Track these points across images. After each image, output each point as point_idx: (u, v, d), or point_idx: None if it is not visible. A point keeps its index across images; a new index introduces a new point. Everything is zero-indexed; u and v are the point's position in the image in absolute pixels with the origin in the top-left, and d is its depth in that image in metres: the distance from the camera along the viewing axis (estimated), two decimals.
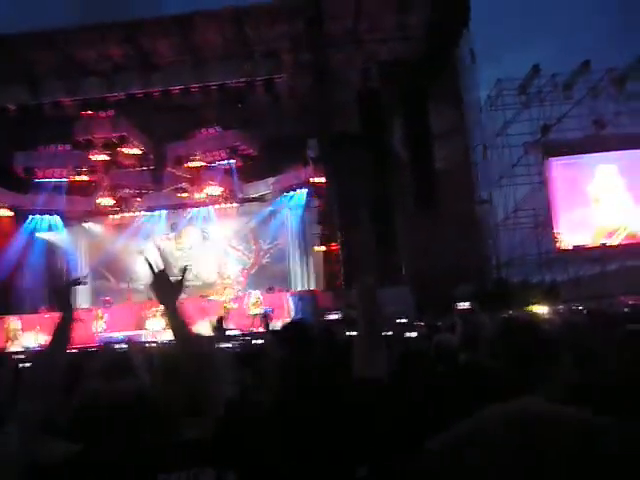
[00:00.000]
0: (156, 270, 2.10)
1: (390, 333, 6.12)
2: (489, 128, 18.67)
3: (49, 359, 2.15)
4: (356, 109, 16.69)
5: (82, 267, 22.56)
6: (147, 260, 2.13)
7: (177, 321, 2.07)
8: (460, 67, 17.26)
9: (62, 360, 2.17)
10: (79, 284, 2.29)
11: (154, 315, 18.34)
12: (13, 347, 17.10)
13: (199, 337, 2.11)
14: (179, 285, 2.11)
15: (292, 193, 20.60)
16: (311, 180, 18.99)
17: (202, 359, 1.94)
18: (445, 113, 17.10)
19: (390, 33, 16.26)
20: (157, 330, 17.77)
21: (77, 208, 21.46)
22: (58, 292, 2.25)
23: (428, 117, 16.26)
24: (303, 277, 21.05)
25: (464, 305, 11.82)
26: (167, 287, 2.09)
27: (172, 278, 2.11)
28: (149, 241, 22.13)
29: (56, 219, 21.91)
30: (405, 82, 15.77)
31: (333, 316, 12.99)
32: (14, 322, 18.35)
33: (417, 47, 16.13)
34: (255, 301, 17.34)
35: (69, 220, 22.15)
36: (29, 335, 18.01)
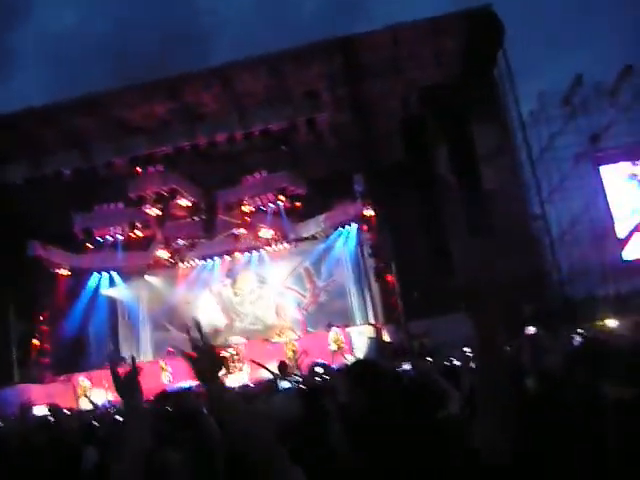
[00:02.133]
0: (201, 344, 1.98)
1: (458, 363, 5.97)
2: (535, 143, 18.37)
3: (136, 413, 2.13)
4: (399, 138, 16.70)
5: (143, 319, 23.01)
6: (198, 325, 2.04)
7: (221, 402, 1.91)
8: (500, 85, 17.12)
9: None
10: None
11: None
12: (84, 405, 17.40)
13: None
14: (221, 362, 1.97)
15: (343, 229, 20.65)
16: (361, 214, 19.00)
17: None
18: (489, 133, 16.92)
19: (428, 59, 16.27)
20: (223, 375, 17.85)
21: (135, 262, 21.99)
22: (123, 382, 2.21)
23: (473, 139, 16.11)
24: (362, 311, 20.94)
25: (531, 329, 11.48)
26: (210, 364, 1.95)
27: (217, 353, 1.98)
28: (207, 289, 22.46)
29: (116, 275, 22.53)
30: (446, 106, 15.70)
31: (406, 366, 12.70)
32: (83, 381, 18.73)
33: (455, 70, 16.10)
34: (335, 337, 17.28)
35: (128, 275, 22.71)
36: (98, 392, 18.35)
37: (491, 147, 17.01)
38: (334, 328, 17.82)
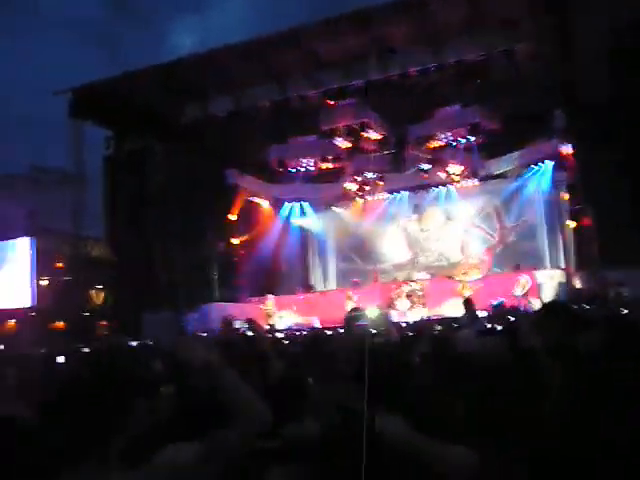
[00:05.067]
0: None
1: None
2: None
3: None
4: (607, 72, 15.33)
5: (331, 250, 23.87)
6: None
7: None
8: None
9: None
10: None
11: (399, 296, 18.78)
12: (275, 324, 18.62)
13: None
14: None
15: (537, 167, 19.66)
16: (558, 152, 17.90)
17: None
18: None
19: None
20: (406, 309, 18.21)
21: (325, 194, 22.71)
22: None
23: None
24: (552, 255, 20.02)
25: None
26: None
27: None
28: (393, 223, 22.69)
29: (307, 205, 23.48)
30: None
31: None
32: (270, 302, 20.01)
33: None
34: (524, 283, 16.86)
35: (318, 206, 23.55)
36: (286, 314, 19.53)
37: None
38: (524, 275, 17.24)
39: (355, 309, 4.99)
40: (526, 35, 15.59)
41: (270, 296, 20.23)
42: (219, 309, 17.97)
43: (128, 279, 19.24)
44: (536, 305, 15.22)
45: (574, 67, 14.97)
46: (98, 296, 24.32)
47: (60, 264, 23.80)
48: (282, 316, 19.46)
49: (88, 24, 64.05)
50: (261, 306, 19.71)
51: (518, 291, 16.65)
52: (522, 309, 13.17)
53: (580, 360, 2.83)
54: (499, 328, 5.49)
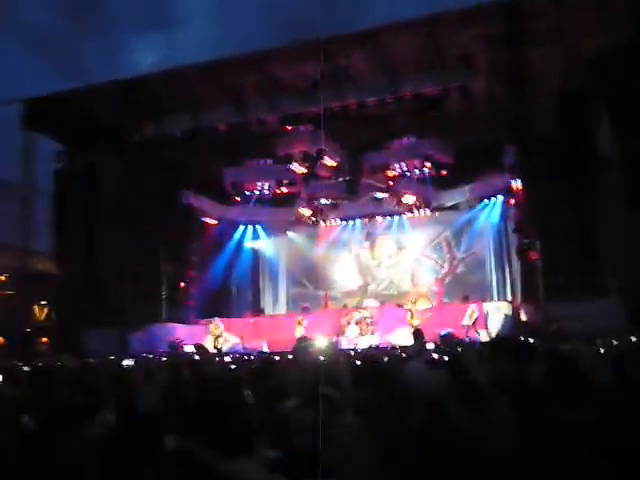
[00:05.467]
0: None
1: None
2: None
3: None
4: (557, 110, 15.84)
5: (282, 274, 23.82)
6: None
7: None
8: None
9: None
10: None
11: (349, 322, 18.83)
12: (223, 347, 18.38)
13: None
14: None
15: (488, 201, 20.09)
16: (508, 187, 18.33)
17: None
18: None
19: (594, 27, 15.14)
20: (355, 337, 18.25)
21: (279, 218, 22.71)
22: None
23: None
24: (500, 287, 20.41)
25: None
26: None
27: None
28: (345, 250, 22.82)
29: (260, 228, 23.44)
30: (613, 76, 14.61)
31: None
32: (217, 325, 19.78)
33: (625, 38, 14.86)
34: (471, 312, 17.03)
35: (272, 230, 23.53)
36: (235, 337, 19.33)
37: None
38: (471, 305, 17.51)
39: (303, 338, 4.97)
40: (480, 71, 16.01)
41: (218, 319, 20.03)
42: (165, 330, 17.70)
43: (73, 295, 18.77)
44: (483, 336, 15.49)
45: (525, 104, 15.39)
46: (41, 312, 23.68)
47: (3, 277, 23.13)
48: (230, 339, 19.24)
49: (45, 36, 63.09)
50: (209, 328, 19.47)
51: (466, 321, 16.86)
52: (469, 340, 13.36)
53: (522, 393, 2.87)
54: (446, 359, 5.53)
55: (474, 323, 16.74)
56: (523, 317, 17.08)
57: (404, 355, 7.75)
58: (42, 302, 23.55)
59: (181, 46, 59.69)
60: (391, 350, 11.51)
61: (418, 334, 6.91)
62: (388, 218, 22.09)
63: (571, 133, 15.85)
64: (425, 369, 4.41)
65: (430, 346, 8.13)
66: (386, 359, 7.82)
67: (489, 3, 14.81)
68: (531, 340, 11.29)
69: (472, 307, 17.29)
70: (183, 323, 19.73)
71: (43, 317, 23.41)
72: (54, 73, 48.54)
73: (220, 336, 19.31)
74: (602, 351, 7.00)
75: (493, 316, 17.12)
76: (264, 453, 1.99)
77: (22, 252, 19.53)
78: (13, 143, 18.12)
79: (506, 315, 17.12)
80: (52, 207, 19.51)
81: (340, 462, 2.33)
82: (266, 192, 20.73)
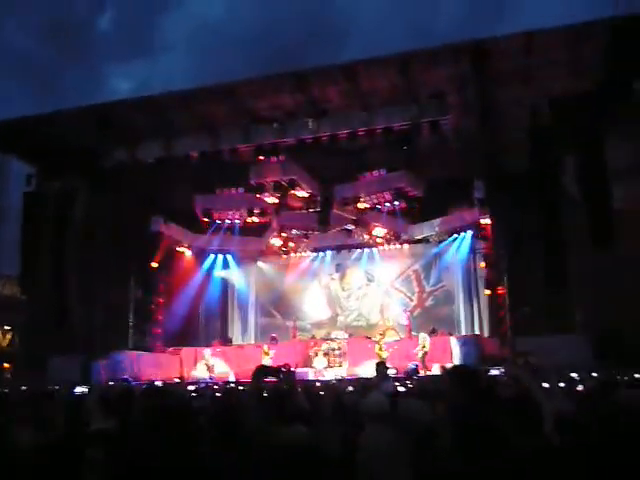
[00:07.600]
0: None
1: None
2: None
3: None
4: (525, 148, 16.17)
5: (252, 303, 23.72)
6: None
7: None
8: None
9: None
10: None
11: (317, 354, 18.76)
12: (189, 377, 18.15)
13: None
14: None
15: (458, 235, 20.31)
16: (477, 222, 18.59)
17: None
18: (624, 150, 16.00)
19: (562, 69, 15.58)
20: (323, 368, 18.16)
21: (249, 248, 22.69)
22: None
23: (604, 155, 15.30)
24: (468, 321, 20.55)
25: None
26: None
27: None
28: (315, 281, 22.83)
29: (230, 258, 23.35)
30: (579, 118, 15.00)
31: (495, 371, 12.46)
32: (187, 353, 19.56)
33: (592, 82, 15.31)
34: (422, 343, 17.02)
35: (242, 259, 23.47)
36: (201, 367, 19.10)
37: (624, 164, 16.09)
38: (421, 334, 17.58)
39: (262, 367, 4.94)
40: (451, 108, 16.33)
41: (185, 348, 19.81)
42: (132, 358, 17.44)
43: (39, 321, 18.45)
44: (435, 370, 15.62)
45: (494, 140, 15.70)
46: (4, 337, 23.21)
47: None
48: (197, 369, 19.02)
49: (24, 60, 62.77)
50: (177, 356, 19.26)
51: (419, 352, 16.80)
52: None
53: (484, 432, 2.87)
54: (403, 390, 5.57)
55: (423, 358, 16.62)
56: (489, 351, 17.19)
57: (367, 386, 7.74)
58: (6, 327, 23.08)
59: (159, 74, 59.89)
60: (357, 381, 11.52)
61: (380, 366, 6.94)
62: (358, 250, 22.23)
63: (538, 170, 16.12)
64: (383, 400, 4.42)
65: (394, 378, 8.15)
66: (350, 389, 7.84)
67: (459, 43, 15.21)
68: (495, 372, 11.42)
69: (422, 339, 17.18)
70: (150, 351, 19.47)
71: (6, 342, 22.92)
72: (30, 98, 48.22)
73: (188, 365, 19.11)
74: (562, 385, 7.08)
75: (459, 349, 17.21)
76: None
77: None
78: None
79: (473, 349, 17.21)
80: (20, 230, 19.23)
81: None
82: (237, 221, 20.76)
